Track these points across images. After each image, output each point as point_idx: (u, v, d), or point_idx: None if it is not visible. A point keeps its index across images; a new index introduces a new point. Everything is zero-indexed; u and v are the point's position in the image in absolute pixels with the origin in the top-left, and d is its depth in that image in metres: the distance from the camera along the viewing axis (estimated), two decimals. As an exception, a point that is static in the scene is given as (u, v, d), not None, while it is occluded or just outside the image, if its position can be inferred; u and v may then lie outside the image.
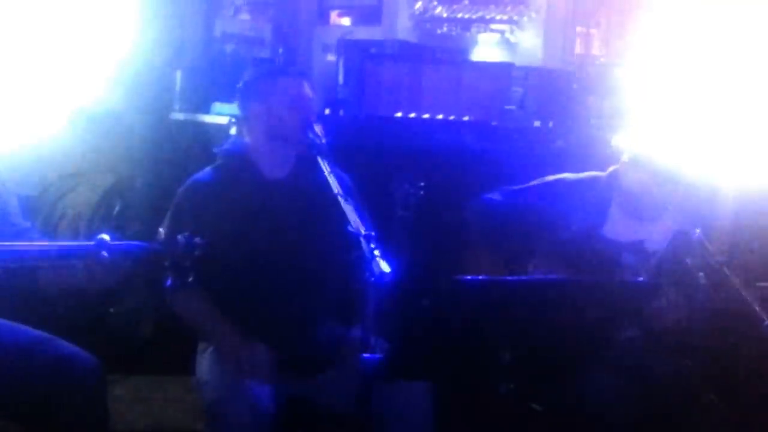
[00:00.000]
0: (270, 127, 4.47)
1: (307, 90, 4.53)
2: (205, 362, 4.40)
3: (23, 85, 5.95)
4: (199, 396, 4.35)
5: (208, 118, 6.61)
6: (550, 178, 4.77)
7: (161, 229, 4.02)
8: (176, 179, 4.63)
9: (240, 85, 4.63)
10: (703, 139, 5.78)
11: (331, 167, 4.20)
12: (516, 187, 4.80)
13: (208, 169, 4.57)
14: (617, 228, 4.62)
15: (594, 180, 4.72)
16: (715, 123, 6.25)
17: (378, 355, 4.21)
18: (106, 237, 3.76)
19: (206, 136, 6.35)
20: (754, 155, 6.18)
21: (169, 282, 4.19)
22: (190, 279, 3.97)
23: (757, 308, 4.13)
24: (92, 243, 3.77)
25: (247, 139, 4.58)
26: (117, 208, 5.81)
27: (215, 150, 4.57)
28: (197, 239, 3.91)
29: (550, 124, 6.46)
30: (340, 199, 4.03)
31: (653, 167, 4.52)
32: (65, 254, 3.86)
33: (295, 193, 4.42)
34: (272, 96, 4.50)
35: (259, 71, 4.75)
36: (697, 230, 4.38)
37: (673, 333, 4.46)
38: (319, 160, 4.21)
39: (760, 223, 5.58)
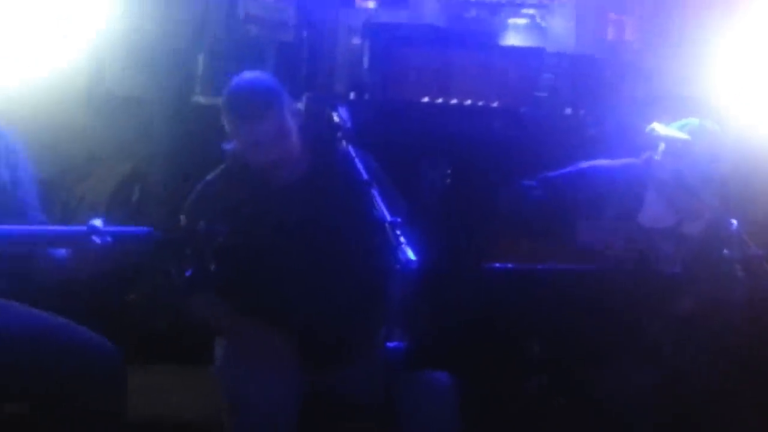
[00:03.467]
0: (247, 151, 4.48)
1: (271, 126, 4.41)
2: (223, 353, 4.45)
3: (41, 67, 5.96)
4: (219, 386, 4.38)
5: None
6: (585, 164, 4.79)
7: (182, 216, 4.05)
8: (197, 165, 4.67)
9: (222, 100, 4.57)
10: (744, 126, 5.80)
11: (355, 152, 4.23)
12: (552, 174, 4.82)
13: (218, 171, 4.58)
14: (653, 215, 4.63)
15: (629, 167, 4.74)
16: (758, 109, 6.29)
17: (402, 344, 4.26)
18: (98, 222, 3.83)
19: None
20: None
21: (189, 272, 4.24)
22: (213, 267, 4.03)
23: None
24: (83, 227, 3.84)
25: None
26: (136, 195, 5.84)
27: (223, 147, 4.54)
28: (219, 227, 3.98)
29: (582, 112, 6.46)
30: (364, 186, 4.06)
31: (690, 158, 4.54)
32: (56, 238, 3.94)
33: (309, 195, 4.44)
34: (240, 124, 4.44)
35: (231, 87, 4.60)
36: (734, 221, 4.39)
37: (708, 327, 4.46)
38: (345, 144, 4.25)
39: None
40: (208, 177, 4.54)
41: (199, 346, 4.60)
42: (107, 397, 4.04)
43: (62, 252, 3.98)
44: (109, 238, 3.82)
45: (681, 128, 4.62)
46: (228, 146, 4.51)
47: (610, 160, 4.80)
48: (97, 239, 3.81)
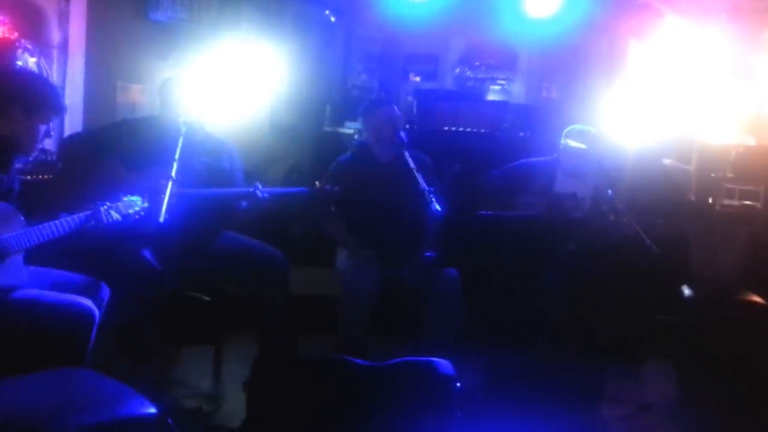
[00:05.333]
0: (376, 133, 4.45)
1: (395, 111, 4.46)
2: (341, 258, 4.42)
3: (244, 110, 5.97)
4: (337, 275, 4.35)
5: (343, 130, 6.64)
6: (524, 160, 4.78)
7: (317, 182, 4.06)
8: (325, 161, 4.66)
9: (361, 109, 4.62)
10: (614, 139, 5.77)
11: (410, 153, 4.22)
12: (505, 167, 4.77)
13: (348, 153, 4.56)
14: (562, 185, 4.56)
15: (548, 161, 4.67)
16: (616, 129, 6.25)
17: (433, 253, 4.26)
18: (259, 185, 3.91)
19: (341, 140, 6.38)
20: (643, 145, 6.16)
21: (323, 209, 4.26)
22: (333, 208, 4.13)
23: (642, 232, 4.08)
24: (251, 188, 3.91)
25: (367, 138, 4.53)
26: (295, 175, 5.87)
27: (350, 143, 4.57)
28: (335, 188, 4.04)
29: (528, 134, 6.38)
30: (415, 172, 4.07)
31: (578, 154, 4.50)
32: (237, 194, 3.99)
33: (395, 168, 4.33)
34: (376, 116, 4.46)
35: (370, 102, 4.70)
36: (610, 191, 4.33)
37: (595, 246, 4.41)
38: (405, 152, 4.24)
39: (645, 185, 5.53)
40: (340, 158, 4.53)
41: (328, 256, 4.57)
42: (278, 282, 4.06)
43: (244, 203, 3.98)
44: (260, 195, 3.88)
45: (570, 130, 4.59)
46: (357, 140, 4.55)
47: (538, 157, 4.76)
48: (259, 193, 3.86)
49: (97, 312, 3.13)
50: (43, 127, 3.30)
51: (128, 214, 3.38)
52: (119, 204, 3.35)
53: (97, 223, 3.24)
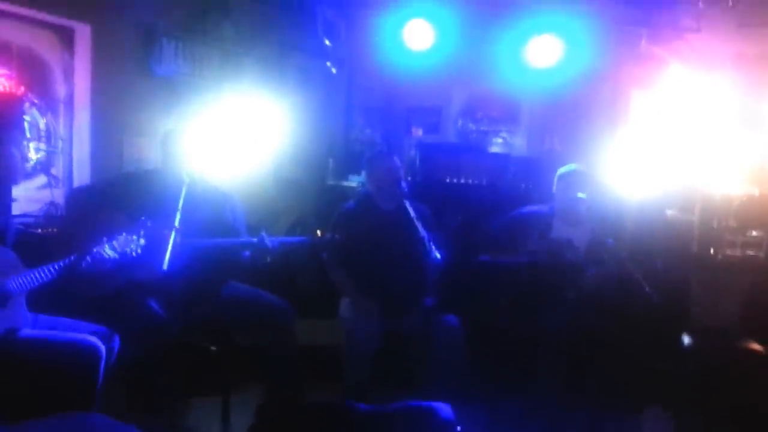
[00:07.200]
0: (378, 183, 4.65)
1: (396, 163, 4.65)
2: (345, 307, 4.57)
3: (249, 163, 6.15)
4: (341, 325, 4.50)
5: (346, 184, 6.79)
6: (523, 209, 4.93)
7: (318, 231, 4.24)
8: (328, 215, 4.82)
9: (364, 160, 4.83)
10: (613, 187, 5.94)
11: (411, 204, 4.40)
12: (504, 218, 4.92)
13: (351, 201, 4.77)
14: (558, 231, 4.72)
15: (543, 209, 4.85)
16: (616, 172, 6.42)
17: (433, 300, 4.41)
18: (264, 234, 4.10)
19: (345, 193, 6.51)
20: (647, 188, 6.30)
21: (324, 256, 4.45)
22: (334, 257, 4.31)
23: (641, 279, 4.19)
24: (256, 239, 4.09)
25: (370, 188, 4.71)
26: (299, 229, 5.97)
27: (358, 190, 4.74)
28: (337, 236, 4.22)
29: (530, 185, 6.48)
30: (415, 220, 4.25)
31: (565, 198, 4.71)
32: (241, 244, 4.18)
33: (396, 217, 4.47)
34: (377, 167, 4.67)
35: (372, 154, 4.89)
36: (611, 240, 4.48)
37: (594, 294, 4.55)
38: (405, 202, 4.42)
39: (648, 235, 5.66)
40: (344, 206, 4.72)
41: (332, 307, 4.72)
42: (283, 330, 4.22)
43: (247, 253, 4.16)
44: (267, 243, 4.06)
45: (559, 174, 4.84)
46: (361, 189, 4.69)
47: (537, 205, 4.94)
48: (268, 242, 4.04)
49: (103, 348, 3.29)
50: (16, 151, 3.44)
51: (125, 252, 3.49)
52: (115, 242, 3.48)
53: (92, 259, 3.37)
